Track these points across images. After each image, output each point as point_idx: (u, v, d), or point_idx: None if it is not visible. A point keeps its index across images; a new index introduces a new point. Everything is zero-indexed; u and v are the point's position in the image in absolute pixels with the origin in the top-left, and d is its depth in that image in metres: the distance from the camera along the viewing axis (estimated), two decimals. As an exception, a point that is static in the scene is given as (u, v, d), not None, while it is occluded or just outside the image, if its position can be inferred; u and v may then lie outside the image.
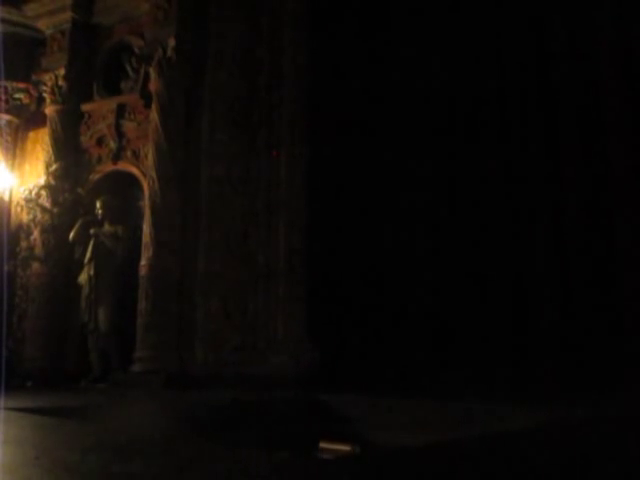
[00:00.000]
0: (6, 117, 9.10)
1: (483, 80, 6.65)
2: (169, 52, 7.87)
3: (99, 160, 8.52)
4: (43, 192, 8.36)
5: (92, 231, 7.97)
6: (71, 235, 8.05)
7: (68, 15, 8.79)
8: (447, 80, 6.82)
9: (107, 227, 8.05)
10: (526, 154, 6.36)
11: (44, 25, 9.01)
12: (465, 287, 6.40)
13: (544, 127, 6.27)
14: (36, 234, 8.46)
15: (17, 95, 9.12)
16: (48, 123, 8.67)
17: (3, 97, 9.01)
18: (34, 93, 9.08)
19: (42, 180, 8.45)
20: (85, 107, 8.69)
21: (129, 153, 8.30)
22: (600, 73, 6.00)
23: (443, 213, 6.67)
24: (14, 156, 9.18)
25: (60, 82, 8.65)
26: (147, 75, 8.11)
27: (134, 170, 8.20)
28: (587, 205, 5.93)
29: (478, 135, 6.55)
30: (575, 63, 6.19)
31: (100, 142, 8.50)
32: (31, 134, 9.24)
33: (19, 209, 8.91)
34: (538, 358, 5.86)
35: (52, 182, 8.33)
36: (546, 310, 6.04)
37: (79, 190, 8.39)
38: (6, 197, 8.91)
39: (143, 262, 7.44)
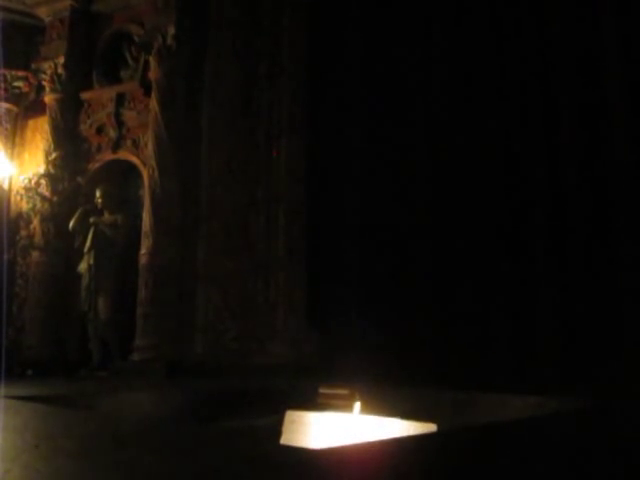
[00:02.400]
0: (5, 105, 9.08)
1: (483, 74, 6.62)
2: (169, 40, 7.85)
3: (99, 149, 8.51)
4: (43, 181, 8.35)
5: (92, 220, 7.96)
6: (71, 224, 8.04)
7: (67, 3, 8.75)
8: (449, 75, 6.78)
9: (107, 216, 8.04)
10: (524, 154, 6.34)
11: (43, 13, 8.97)
12: (463, 280, 6.40)
13: (544, 132, 6.24)
14: (36, 223, 8.46)
15: (16, 83, 9.09)
16: (47, 111, 8.65)
17: (2, 85, 8.97)
18: (33, 81, 9.05)
19: (42, 169, 8.44)
20: (85, 95, 8.66)
21: (129, 142, 8.29)
22: (602, 71, 5.96)
23: (443, 202, 6.65)
24: (13, 145, 9.15)
25: (59, 70, 8.62)
26: (147, 63, 8.09)
27: (134, 159, 8.20)
28: (587, 206, 5.91)
29: (477, 133, 6.52)
30: (576, 59, 6.15)
31: (100, 131, 8.48)
32: (30, 122, 9.21)
33: (19, 198, 8.89)
34: (536, 353, 5.86)
35: (52, 171, 8.32)
36: (544, 306, 6.04)
37: (79, 179, 8.39)
38: (5, 186, 8.90)
39: (143, 251, 7.44)
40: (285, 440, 3.38)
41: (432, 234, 6.60)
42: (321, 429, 3.33)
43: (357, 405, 3.38)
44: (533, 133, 6.32)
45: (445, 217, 6.54)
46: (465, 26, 6.70)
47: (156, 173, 7.54)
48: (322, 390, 3.96)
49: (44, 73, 8.76)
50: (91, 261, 7.83)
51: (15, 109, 9.19)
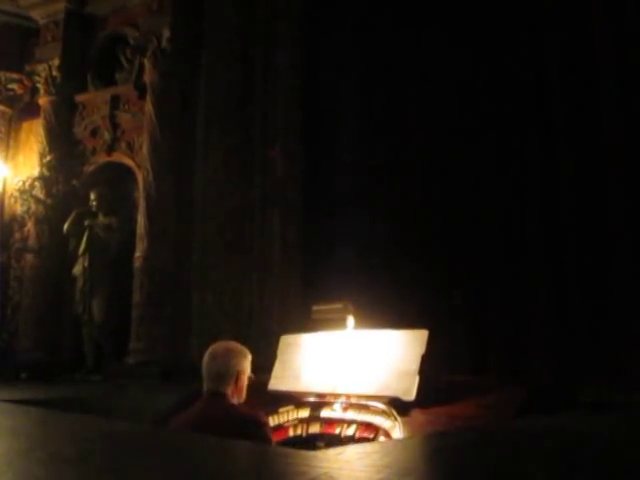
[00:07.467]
0: (-1, 108, 9.07)
1: (479, 74, 6.63)
2: (164, 43, 7.83)
3: (93, 151, 8.47)
4: (37, 183, 8.31)
5: (86, 223, 7.93)
6: (65, 226, 8.01)
7: (62, 5, 8.72)
8: (444, 76, 6.79)
9: (101, 219, 8.02)
10: (522, 158, 6.35)
11: (38, 15, 8.94)
12: (458, 279, 6.41)
13: (540, 136, 6.25)
14: (30, 225, 8.42)
15: (10, 85, 9.06)
16: (42, 114, 8.62)
17: (-4, 87, 8.97)
18: (28, 84, 9.02)
19: (36, 171, 8.40)
20: (79, 98, 8.64)
21: (123, 144, 8.26)
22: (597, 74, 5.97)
23: (434, 204, 6.66)
24: (8, 147, 9.13)
25: (54, 73, 8.59)
26: (142, 66, 8.06)
27: (129, 161, 8.17)
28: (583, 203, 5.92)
29: (475, 135, 6.52)
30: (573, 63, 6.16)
31: (94, 133, 8.45)
32: (25, 125, 9.18)
33: (13, 200, 8.86)
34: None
35: (46, 173, 8.29)
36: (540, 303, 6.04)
37: (73, 181, 8.35)
38: (-1, 188, 8.87)
39: (138, 254, 7.42)
40: (280, 362, 3.38)
41: (433, 232, 6.61)
42: (316, 348, 3.34)
43: (350, 319, 3.38)
44: (529, 137, 6.34)
45: (443, 215, 6.55)
46: (461, 31, 6.71)
47: (151, 175, 7.53)
48: (316, 307, 3.97)
49: (38, 75, 8.73)
50: (86, 264, 7.80)
51: (9, 111, 9.16)
